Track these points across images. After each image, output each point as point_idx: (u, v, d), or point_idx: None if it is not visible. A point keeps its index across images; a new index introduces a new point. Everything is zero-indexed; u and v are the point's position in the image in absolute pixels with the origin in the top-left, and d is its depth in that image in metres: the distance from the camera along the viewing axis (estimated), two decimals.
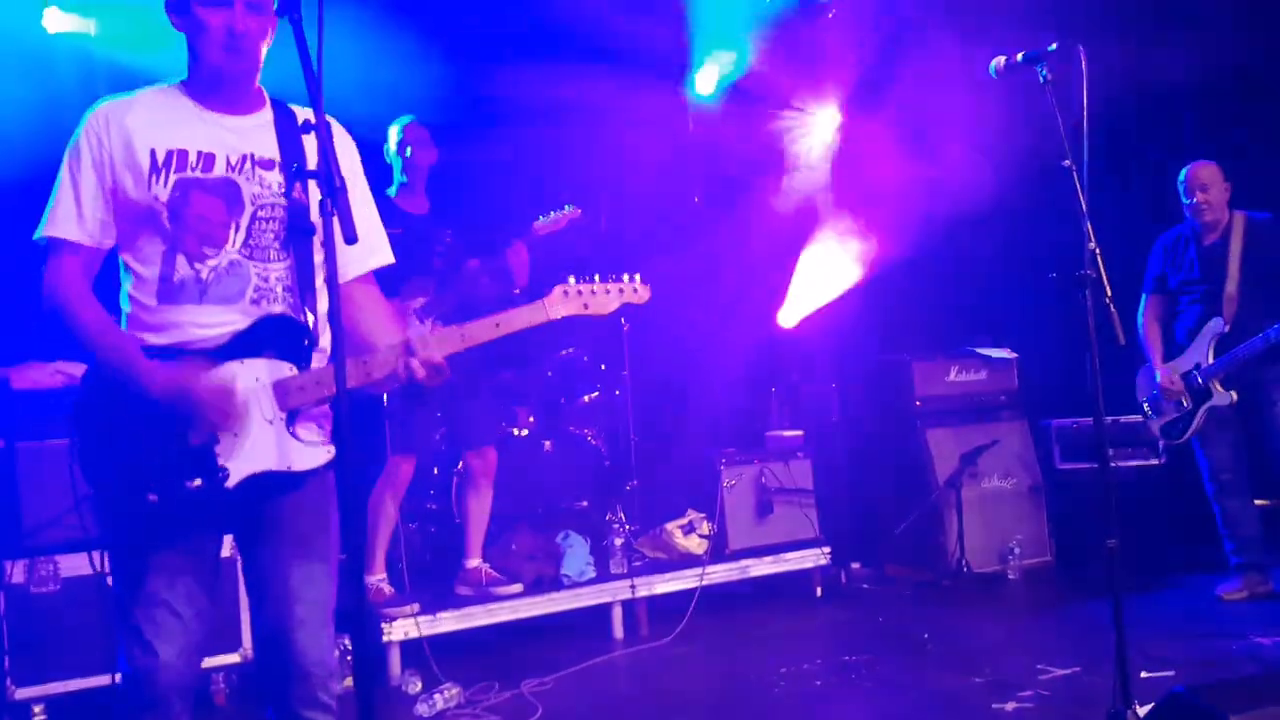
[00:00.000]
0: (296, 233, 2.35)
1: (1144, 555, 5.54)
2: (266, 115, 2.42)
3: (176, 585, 2.31)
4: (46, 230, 2.32)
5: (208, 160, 2.33)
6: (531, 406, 5.84)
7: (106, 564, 4.08)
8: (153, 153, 2.30)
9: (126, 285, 2.36)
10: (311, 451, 2.33)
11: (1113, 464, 5.92)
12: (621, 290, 2.55)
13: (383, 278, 4.74)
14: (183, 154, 2.31)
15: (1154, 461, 6.05)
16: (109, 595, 3.94)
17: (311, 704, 2.36)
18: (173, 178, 2.30)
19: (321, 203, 2.04)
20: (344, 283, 2.36)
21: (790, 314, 6.94)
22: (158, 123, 2.32)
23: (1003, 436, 6.13)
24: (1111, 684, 3.08)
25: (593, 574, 5.12)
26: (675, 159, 7.01)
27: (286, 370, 2.33)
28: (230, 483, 2.26)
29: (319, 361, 2.39)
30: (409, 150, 4.83)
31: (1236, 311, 4.90)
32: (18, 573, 4.00)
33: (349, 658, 4.18)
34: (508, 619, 4.79)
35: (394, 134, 4.88)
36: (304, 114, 2.35)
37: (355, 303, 2.47)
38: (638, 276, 2.57)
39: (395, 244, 4.71)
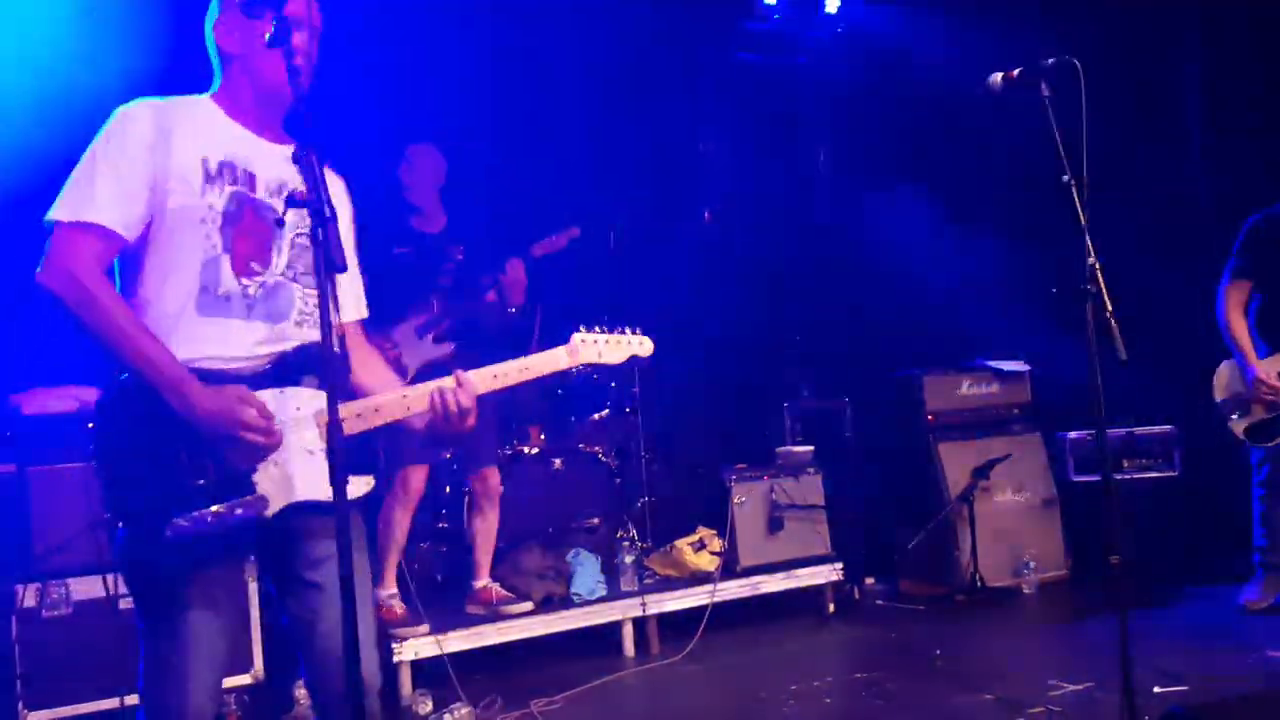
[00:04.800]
0: (328, 266, 2.26)
1: (1160, 567, 5.51)
2: (292, 149, 2.36)
3: (208, 614, 2.24)
4: (79, 213, 2.17)
5: (250, 180, 2.31)
6: (542, 424, 5.84)
7: (119, 587, 4.12)
8: (205, 161, 2.25)
9: (149, 293, 2.24)
10: (352, 483, 2.24)
11: (1128, 475, 5.95)
12: (629, 343, 2.75)
13: (390, 296, 4.82)
14: (232, 167, 2.28)
15: (1170, 473, 6.00)
16: (120, 619, 4.01)
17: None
18: (228, 189, 2.26)
19: (312, 231, 2.02)
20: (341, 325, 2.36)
21: None
22: (205, 132, 2.29)
23: (1016, 449, 6.09)
24: (1120, 701, 3.05)
25: (603, 592, 5.12)
26: (687, 173, 7.04)
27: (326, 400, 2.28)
28: (269, 512, 2.20)
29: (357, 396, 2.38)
30: (419, 170, 4.87)
31: None
32: (30, 597, 4.03)
33: None
34: (518, 637, 4.79)
35: (406, 155, 4.92)
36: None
37: (350, 346, 2.46)
38: (639, 331, 2.79)
39: (404, 264, 4.82)
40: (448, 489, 5.48)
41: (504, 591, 4.91)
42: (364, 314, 2.63)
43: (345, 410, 2.25)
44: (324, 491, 2.18)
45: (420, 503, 4.85)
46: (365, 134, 5.18)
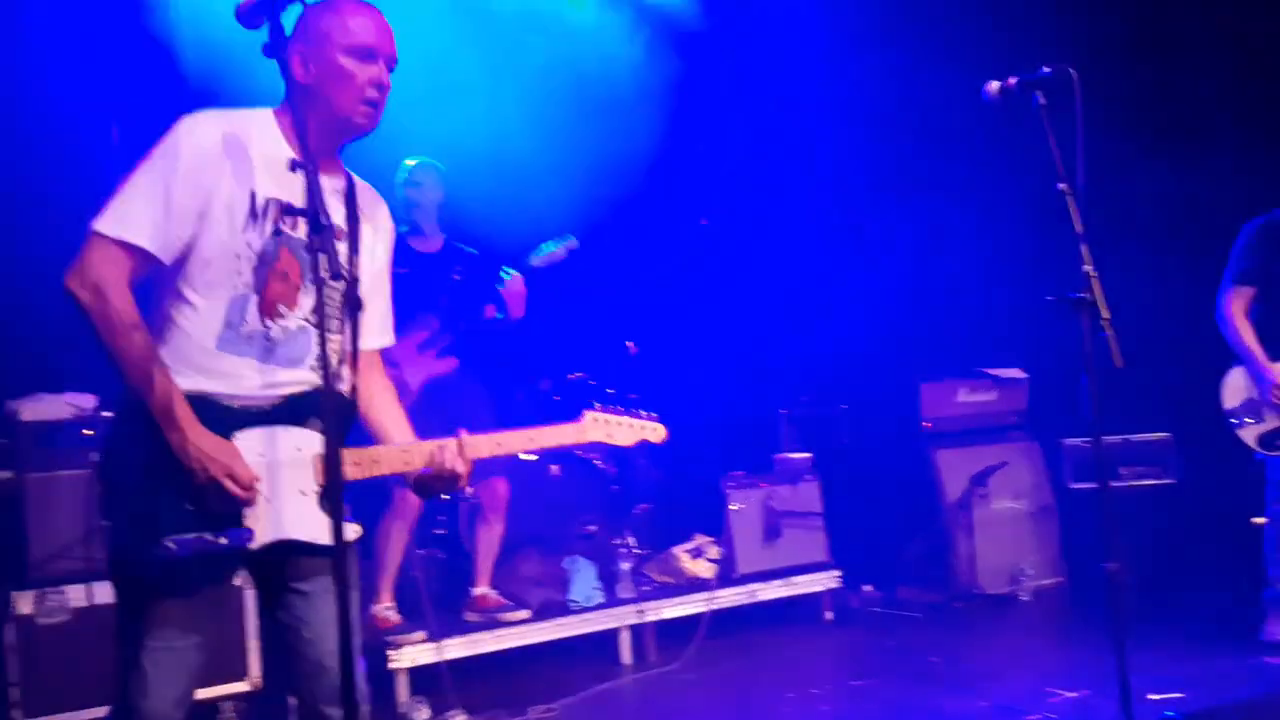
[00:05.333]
0: (352, 306, 2.31)
1: (1157, 575, 5.50)
2: (342, 183, 2.41)
3: (189, 630, 2.27)
4: (118, 231, 2.17)
5: (295, 219, 2.27)
6: None
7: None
8: (253, 195, 2.23)
9: (177, 314, 2.24)
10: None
11: (1126, 483, 5.96)
12: (642, 429, 2.77)
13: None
14: (280, 205, 2.25)
15: (1167, 480, 6.01)
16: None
17: None
18: (268, 227, 2.24)
19: (309, 242, 2.01)
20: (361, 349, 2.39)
21: None
22: (262, 162, 2.25)
23: (1013, 457, 6.11)
24: (1117, 707, 3.06)
25: (600, 599, 5.12)
26: (684, 179, 7.05)
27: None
28: (254, 545, 2.23)
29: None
30: (418, 190, 4.88)
31: None
32: (26, 604, 4.02)
33: None
34: (515, 644, 4.79)
35: (401, 175, 4.92)
36: (362, 191, 2.42)
37: (365, 377, 2.46)
38: (655, 417, 2.79)
39: (401, 283, 4.80)
40: (445, 496, 5.47)
41: (502, 598, 4.91)
42: (388, 342, 2.60)
43: (345, 457, 2.26)
44: (309, 533, 2.26)
45: (420, 510, 4.86)
46: (359, 151, 5.19)
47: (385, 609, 4.73)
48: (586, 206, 6.06)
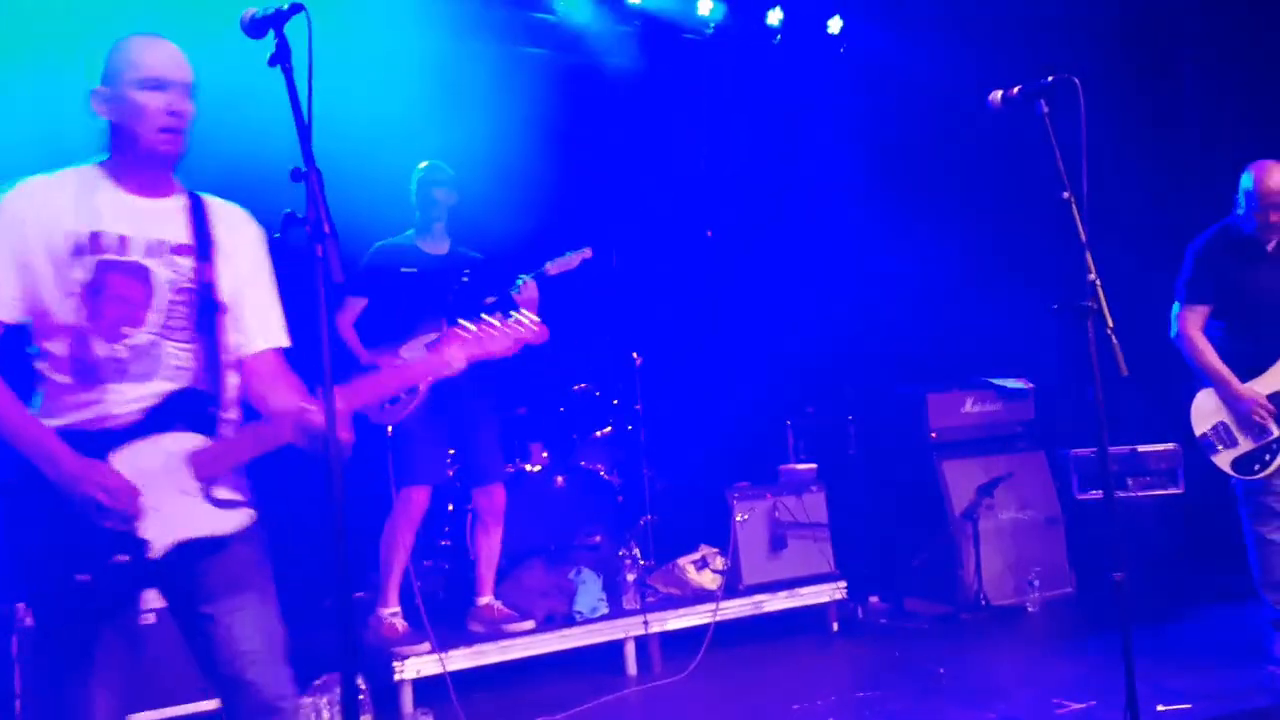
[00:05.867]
0: (205, 313, 2.44)
1: (1164, 585, 5.48)
2: (181, 201, 2.52)
3: (110, 654, 2.36)
4: None
5: (124, 243, 2.40)
6: (544, 442, 5.84)
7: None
8: (74, 236, 2.36)
9: (40, 364, 2.40)
10: (230, 516, 2.43)
11: (1132, 494, 5.94)
12: (518, 328, 2.66)
13: (398, 316, 4.83)
14: (100, 236, 2.38)
15: (1174, 490, 5.99)
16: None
17: None
18: (91, 260, 2.36)
19: (311, 248, 2.07)
20: (246, 357, 2.53)
21: None
22: (78, 205, 2.39)
23: (1020, 467, 6.09)
24: (1124, 718, 3.04)
25: (605, 610, 5.10)
26: (689, 191, 7.07)
27: (197, 442, 2.41)
28: (154, 554, 2.34)
29: (228, 431, 2.48)
30: (429, 192, 4.90)
31: None
32: (30, 616, 4.01)
33: (361, 697, 4.18)
34: (520, 656, 4.78)
35: (416, 176, 4.94)
36: (214, 206, 2.53)
37: (256, 376, 2.56)
38: (532, 314, 2.68)
39: (410, 283, 4.85)
40: (450, 506, 5.48)
41: (506, 609, 4.90)
42: (280, 343, 2.64)
43: (214, 449, 2.41)
44: (203, 529, 2.39)
45: (423, 520, 4.86)
46: (371, 155, 5.21)
47: (391, 614, 4.73)
48: (593, 216, 6.08)
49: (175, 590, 2.47)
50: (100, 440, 2.34)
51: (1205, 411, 4.47)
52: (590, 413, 6.00)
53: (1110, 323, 3.07)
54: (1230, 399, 4.39)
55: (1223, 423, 4.42)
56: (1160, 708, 3.81)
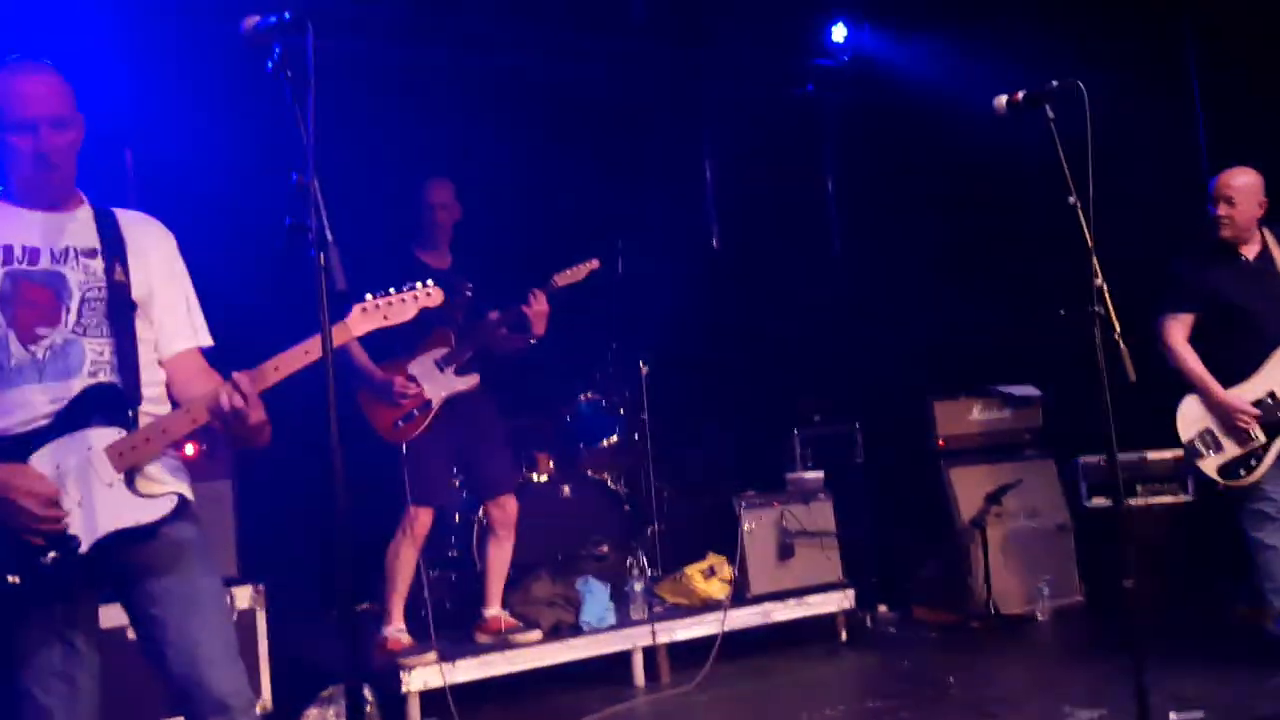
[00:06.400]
0: (119, 311, 2.49)
1: (1175, 592, 5.45)
2: (85, 212, 2.58)
3: (63, 650, 2.39)
4: None
5: (33, 254, 2.47)
6: (550, 452, 5.83)
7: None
8: None
9: None
10: (154, 504, 2.44)
11: (1142, 501, 5.91)
12: (416, 297, 2.70)
13: (406, 330, 4.82)
14: (9, 249, 2.45)
15: (1184, 498, 5.95)
16: (131, 647, 3.98)
17: None
18: (1, 270, 2.43)
19: (313, 255, 2.08)
20: (166, 358, 2.58)
21: None
22: None
23: (1028, 475, 6.06)
24: None
25: (613, 620, 5.08)
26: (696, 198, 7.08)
27: (115, 435, 2.44)
28: (83, 549, 2.35)
29: (146, 421, 2.50)
30: (433, 206, 4.89)
31: None
32: None
33: (368, 709, 4.18)
34: (527, 666, 4.76)
35: (420, 190, 4.94)
36: (122, 215, 2.59)
37: (177, 375, 2.61)
38: (430, 281, 2.73)
39: None
40: (457, 517, 5.47)
41: (513, 620, 4.88)
42: (200, 343, 2.68)
43: (132, 440, 2.43)
44: (128, 519, 2.40)
45: (429, 534, 4.84)
46: (371, 170, 5.23)
47: (396, 631, 4.71)
48: (599, 225, 6.08)
49: (118, 588, 2.50)
50: (21, 443, 2.38)
51: (1191, 418, 4.49)
52: (597, 422, 5.98)
53: (1118, 328, 3.06)
54: (1215, 405, 4.42)
55: (1208, 429, 4.45)
56: (1173, 715, 3.77)
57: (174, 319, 2.63)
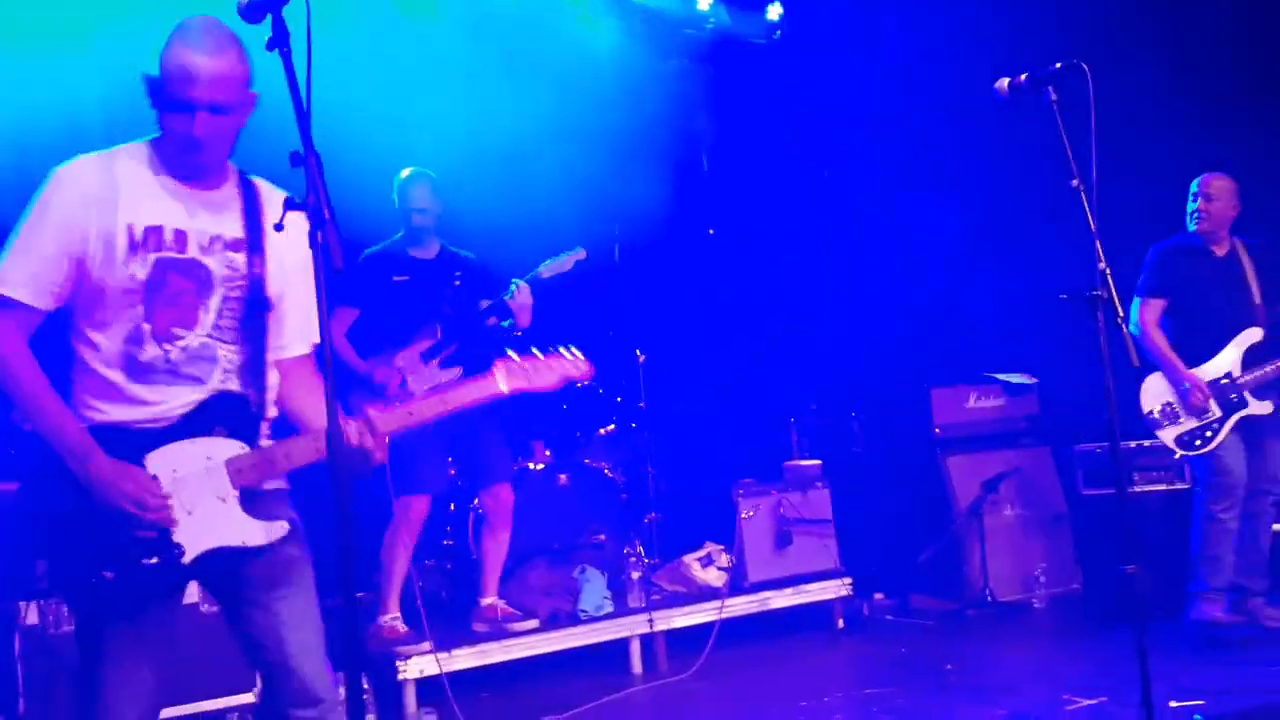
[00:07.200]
0: (254, 312, 2.40)
1: (1173, 581, 5.43)
2: (232, 190, 2.45)
3: (143, 652, 2.36)
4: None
5: (181, 239, 2.35)
6: (547, 440, 5.81)
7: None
8: (130, 229, 2.30)
9: (86, 355, 2.34)
10: (266, 527, 2.37)
11: (1138, 489, 5.89)
12: (564, 365, 2.66)
13: (393, 324, 4.78)
14: (159, 231, 2.33)
15: (1180, 486, 5.94)
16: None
17: None
18: (151, 257, 2.31)
19: (311, 234, 2.03)
20: (284, 360, 2.49)
21: None
22: (135, 195, 2.32)
23: (1024, 463, 6.06)
24: (1137, 714, 3.01)
25: (610, 608, 5.07)
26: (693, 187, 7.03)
27: (236, 449, 2.37)
28: (186, 559, 2.31)
29: (266, 437, 2.45)
30: (415, 199, 4.85)
31: (1265, 322, 4.87)
32: (32, 614, 3.99)
33: (365, 697, 4.15)
34: (524, 655, 4.74)
35: (397, 184, 4.90)
36: (263, 190, 2.46)
37: (293, 378, 2.53)
38: (578, 352, 2.68)
39: (403, 291, 4.79)
40: (453, 506, 5.44)
41: (510, 609, 4.86)
42: (315, 341, 2.58)
43: (253, 458, 2.36)
44: (235, 538, 2.34)
45: (425, 521, 4.82)
46: (363, 159, 5.18)
47: (392, 619, 4.69)
48: (595, 216, 6.04)
49: (219, 584, 2.46)
50: (139, 439, 2.31)
51: (1154, 392, 4.95)
52: (594, 410, 5.96)
53: (1121, 313, 3.04)
54: (1177, 382, 4.88)
55: (1169, 403, 4.91)
56: (1173, 704, 3.76)
57: (300, 319, 2.52)
